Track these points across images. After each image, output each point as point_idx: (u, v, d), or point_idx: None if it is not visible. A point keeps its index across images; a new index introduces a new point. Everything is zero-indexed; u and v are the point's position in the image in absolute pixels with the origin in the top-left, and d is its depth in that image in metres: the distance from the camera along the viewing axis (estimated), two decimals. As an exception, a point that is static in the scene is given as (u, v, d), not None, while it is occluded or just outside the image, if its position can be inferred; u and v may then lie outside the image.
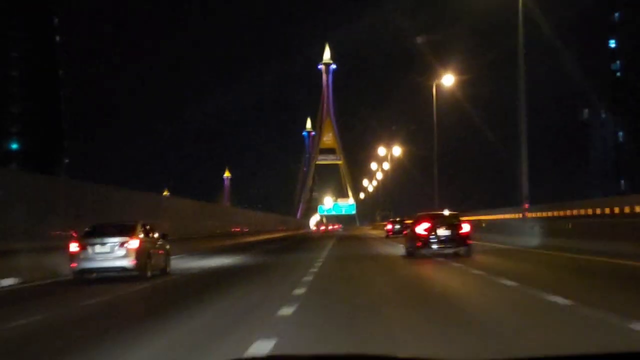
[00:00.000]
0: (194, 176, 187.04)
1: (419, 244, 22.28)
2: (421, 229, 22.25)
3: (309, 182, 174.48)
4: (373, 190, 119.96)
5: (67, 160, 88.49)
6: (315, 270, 17.19)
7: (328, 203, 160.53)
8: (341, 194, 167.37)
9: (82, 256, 16.46)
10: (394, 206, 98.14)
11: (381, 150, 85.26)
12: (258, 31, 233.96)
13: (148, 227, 18.03)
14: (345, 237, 52.20)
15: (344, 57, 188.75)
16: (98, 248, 16.49)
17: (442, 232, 21.97)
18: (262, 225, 67.20)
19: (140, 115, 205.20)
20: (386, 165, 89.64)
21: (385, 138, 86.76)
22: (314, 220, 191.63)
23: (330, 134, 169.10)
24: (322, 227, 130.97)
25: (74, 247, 16.76)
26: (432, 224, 22.35)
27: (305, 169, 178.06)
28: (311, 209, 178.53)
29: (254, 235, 58.03)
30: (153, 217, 27.17)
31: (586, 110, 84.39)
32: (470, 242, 22.40)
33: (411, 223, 24.54)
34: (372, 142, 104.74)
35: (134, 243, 16.61)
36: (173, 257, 24.56)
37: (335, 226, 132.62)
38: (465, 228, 22.35)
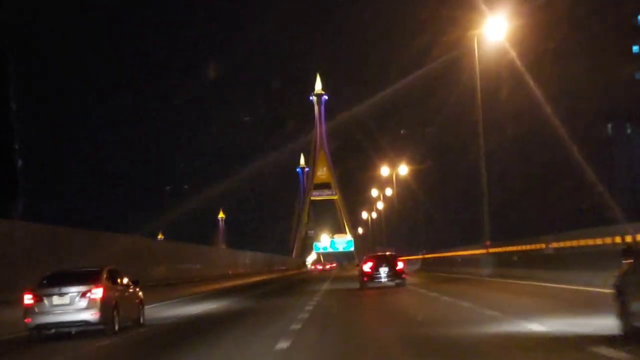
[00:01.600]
0: (189, 219, 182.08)
1: (365, 279, 29.86)
2: (367, 267, 29.92)
3: (304, 219, 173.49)
4: (373, 223, 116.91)
5: (23, 201, 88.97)
6: (305, 315, 16.74)
7: (324, 240, 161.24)
8: (338, 229, 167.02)
9: (37, 310, 15.25)
10: (395, 241, 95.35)
11: (384, 171, 78.35)
12: (246, 64, 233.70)
13: (115, 273, 16.85)
14: (338, 277, 51.36)
15: (337, 85, 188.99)
16: (56, 299, 15.27)
17: (383, 269, 29.49)
18: (256, 266, 66.54)
19: (131, 162, 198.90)
20: (389, 192, 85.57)
21: (389, 156, 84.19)
22: (310, 259, 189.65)
23: (324, 168, 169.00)
24: (320, 267, 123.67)
25: (27, 299, 15.50)
26: (374, 263, 30.00)
27: (300, 206, 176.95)
28: (307, 247, 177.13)
29: (248, 277, 57.07)
30: (130, 262, 26.39)
31: (610, 125, 78.06)
32: (405, 276, 30.13)
33: (358, 263, 35.10)
34: (371, 165, 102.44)
35: (97, 292, 15.41)
36: (154, 304, 23.41)
37: (333, 265, 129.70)
38: (400, 265, 29.91)
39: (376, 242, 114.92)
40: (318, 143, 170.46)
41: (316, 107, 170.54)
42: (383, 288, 28.09)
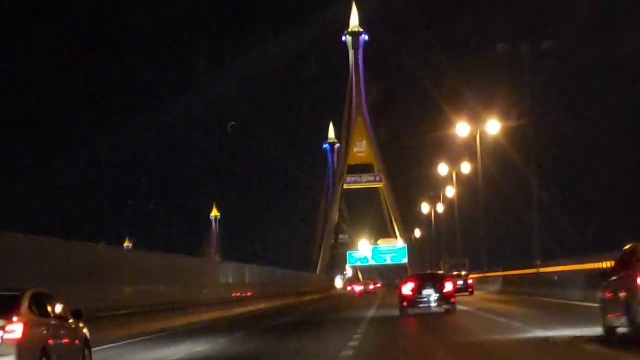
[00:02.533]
0: (169, 220, 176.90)
1: (406, 303, 33.14)
2: (407, 289, 33.31)
3: (334, 217, 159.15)
4: (439, 220, 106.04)
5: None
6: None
7: (364, 249, 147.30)
8: (384, 233, 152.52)
9: None
10: (473, 250, 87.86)
11: (461, 130, 70.23)
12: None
13: (44, 299, 16.20)
14: (385, 304, 48.53)
15: (381, 20, 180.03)
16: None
17: (428, 291, 33.10)
18: (263, 287, 66.10)
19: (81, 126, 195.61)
20: (467, 168, 79.06)
21: (468, 108, 73.22)
22: (342, 278, 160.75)
23: (364, 142, 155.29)
24: (358, 288, 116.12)
25: None
26: (417, 284, 33.32)
27: (328, 199, 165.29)
28: (339, 260, 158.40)
29: (255, 302, 57.54)
30: (83, 281, 26.41)
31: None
32: (454, 300, 33.84)
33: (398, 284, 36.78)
34: (437, 125, 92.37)
35: (14, 330, 14.63)
36: (112, 344, 23.57)
37: (378, 285, 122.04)
38: (448, 287, 33.36)
39: (443, 250, 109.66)
40: (354, 105, 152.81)
41: (351, 53, 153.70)
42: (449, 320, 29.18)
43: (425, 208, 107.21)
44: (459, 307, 36.30)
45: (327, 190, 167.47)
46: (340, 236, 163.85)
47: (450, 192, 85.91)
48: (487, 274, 71.01)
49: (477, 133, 70.08)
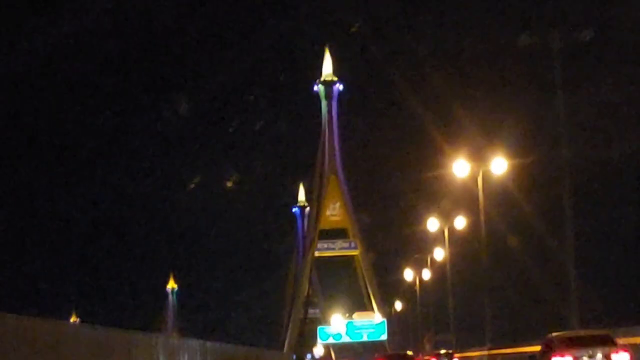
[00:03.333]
0: (120, 292, 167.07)
1: None
2: None
3: (303, 289, 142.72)
4: (423, 292, 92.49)
5: None
6: None
7: (337, 324, 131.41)
8: (359, 306, 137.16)
9: None
10: (471, 322, 76.43)
11: (459, 169, 56.31)
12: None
13: None
14: None
15: (354, 70, 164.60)
16: None
17: None
18: None
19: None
20: (461, 223, 66.90)
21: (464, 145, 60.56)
22: (312, 355, 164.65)
23: (338, 204, 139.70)
24: None
25: None
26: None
27: (297, 268, 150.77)
28: (309, 336, 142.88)
29: None
30: None
31: None
32: None
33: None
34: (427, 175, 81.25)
35: None
36: None
37: None
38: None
39: (430, 324, 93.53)
40: (327, 162, 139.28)
41: (324, 103, 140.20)
42: None
43: (408, 275, 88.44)
44: None
45: (297, 259, 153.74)
46: (311, 310, 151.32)
47: (440, 254, 68.45)
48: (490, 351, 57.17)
49: (479, 173, 55.38)
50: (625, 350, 28.10)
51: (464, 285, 74.21)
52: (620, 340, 30.11)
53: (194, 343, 55.27)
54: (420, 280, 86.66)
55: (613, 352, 27.74)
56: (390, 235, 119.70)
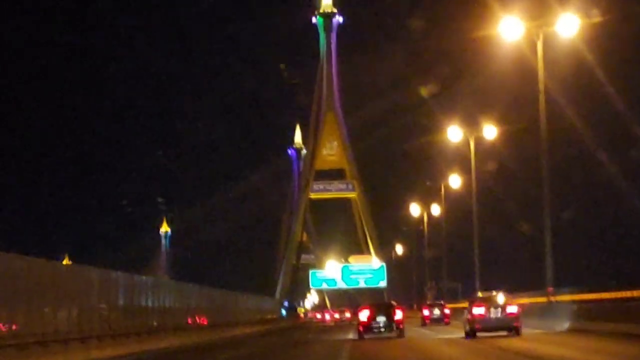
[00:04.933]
0: (112, 235, 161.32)
1: (361, 329, 40.84)
2: (363, 315, 40.93)
3: (297, 233, 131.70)
4: (433, 226, 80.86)
5: None
6: None
7: (332, 269, 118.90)
8: (356, 250, 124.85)
9: None
10: (467, 270, 69.37)
11: (453, 135, 52.90)
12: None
13: None
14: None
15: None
16: None
17: (380, 318, 40.49)
18: (216, 313, 63.24)
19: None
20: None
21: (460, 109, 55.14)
22: (307, 304, 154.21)
23: (335, 143, 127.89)
24: (321, 316, 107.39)
25: None
26: (371, 311, 40.95)
27: (292, 211, 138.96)
28: (303, 283, 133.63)
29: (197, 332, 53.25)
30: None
31: None
32: (402, 326, 40.89)
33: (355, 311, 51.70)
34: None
35: None
36: None
37: (346, 314, 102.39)
38: (398, 315, 40.75)
39: (442, 267, 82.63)
40: (324, 98, 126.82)
41: (322, 36, 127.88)
42: None
43: (414, 210, 76.49)
44: None
45: (291, 203, 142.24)
46: (305, 256, 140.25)
47: (456, 182, 57.62)
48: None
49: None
50: (514, 304, 36.54)
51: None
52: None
53: (182, 286, 59.88)
54: (429, 215, 74.75)
55: (508, 304, 36.16)
56: (393, 169, 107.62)
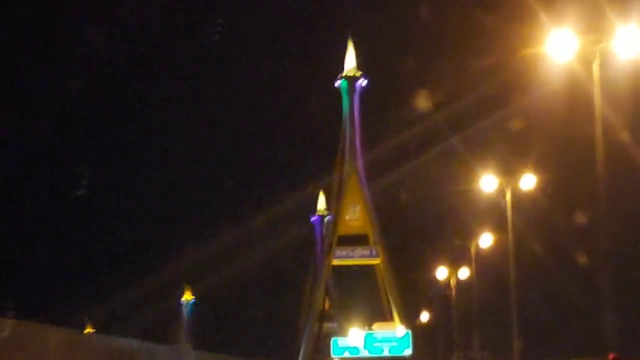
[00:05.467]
0: (133, 304, 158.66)
1: None
2: None
3: (319, 299, 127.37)
4: (460, 290, 77.01)
5: None
6: None
7: (355, 336, 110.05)
8: (380, 316, 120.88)
9: None
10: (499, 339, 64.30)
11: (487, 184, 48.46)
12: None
13: None
14: None
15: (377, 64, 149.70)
16: None
17: None
18: None
19: None
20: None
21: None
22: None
23: (358, 208, 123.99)
24: None
25: None
26: None
27: (315, 279, 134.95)
28: (323, 351, 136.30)
29: None
30: None
31: None
32: None
33: None
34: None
35: None
36: None
37: None
38: None
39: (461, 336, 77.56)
40: (347, 162, 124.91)
41: (345, 99, 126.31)
42: None
43: (441, 273, 71.97)
44: None
45: (314, 269, 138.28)
46: (328, 324, 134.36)
47: (486, 241, 53.45)
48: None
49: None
50: None
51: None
52: None
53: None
54: (457, 279, 70.42)
55: None
56: (419, 230, 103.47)
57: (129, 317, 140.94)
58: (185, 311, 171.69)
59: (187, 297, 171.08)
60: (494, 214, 51.06)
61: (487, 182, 46.16)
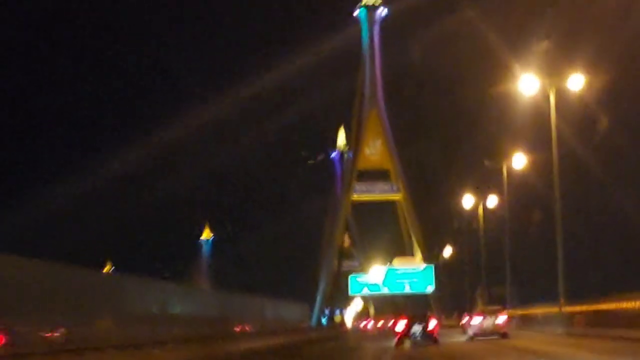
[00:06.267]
0: (152, 242, 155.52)
1: (398, 338, 42.99)
2: (400, 326, 43.66)
3: (338, 236, 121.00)
4: (487, 223, 69.93)
5: None
6: None
7: (375, 273, 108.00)
8: (401, 253, 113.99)
9: None
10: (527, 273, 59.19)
11: (528, 86, 42.59)
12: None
13: None
14: None
15: None
16: None
17: (416, 328, 43.10)
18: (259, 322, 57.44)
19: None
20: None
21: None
22: (349, 312, 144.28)
23: (379, 142, 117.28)
24: (368, 324, 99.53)
25: None
26: (408, 322, 43.25)
27: (333, 216, 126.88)
28: (344, 289, 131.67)
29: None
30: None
31: None
32: (436, 335, 43.12)
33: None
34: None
35: None
36: None
37: (390, 323, 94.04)
38: (432, 325, 43.26)
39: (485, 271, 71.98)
40: (367, 95, 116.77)
41: (365, 30, 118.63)
42: None
43: (467, 201, 65.84)
44: None
45: (333, 204, 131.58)
46: (349, 263, 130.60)
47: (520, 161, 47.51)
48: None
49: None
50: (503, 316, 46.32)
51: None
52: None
53: (225, 295, 55.68)
54: (484, 207, 64.36)
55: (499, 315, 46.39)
56: (444, 159, 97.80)
57: (149, 256, 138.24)
58: (204, 249, 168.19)
59: (207, 235, 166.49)
60: (531, 126, 44.81)
61: (527, 83, 39.84)
